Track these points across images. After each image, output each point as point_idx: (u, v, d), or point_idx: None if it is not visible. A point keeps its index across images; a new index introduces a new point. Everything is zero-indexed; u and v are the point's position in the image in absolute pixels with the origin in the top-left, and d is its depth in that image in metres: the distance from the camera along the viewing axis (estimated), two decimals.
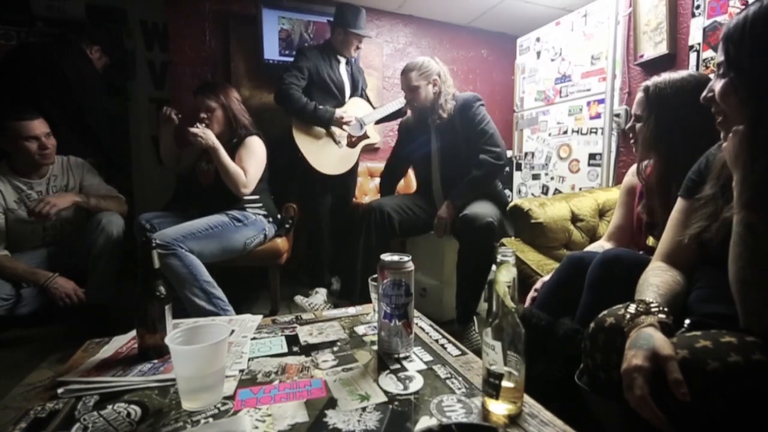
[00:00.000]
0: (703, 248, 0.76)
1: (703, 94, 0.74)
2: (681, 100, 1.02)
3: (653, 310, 0.66)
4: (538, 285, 1.27)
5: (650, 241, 1.13)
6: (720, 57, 0.69)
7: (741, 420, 0.54)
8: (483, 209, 1.64)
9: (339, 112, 2.08)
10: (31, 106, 1.76)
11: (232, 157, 1.77)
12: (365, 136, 2.27)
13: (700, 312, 0.71)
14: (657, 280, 0.76)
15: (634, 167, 1.26)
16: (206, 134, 1.68)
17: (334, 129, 2.16)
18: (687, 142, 1.01)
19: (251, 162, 1.79)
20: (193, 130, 1.68)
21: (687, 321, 0.68)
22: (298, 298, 2.06)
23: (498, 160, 1.78)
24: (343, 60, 2.27)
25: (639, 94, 1.11)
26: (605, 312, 0.73)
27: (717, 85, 0.70)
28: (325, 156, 2.15)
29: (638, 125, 1.12)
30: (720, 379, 0.54)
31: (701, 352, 0.57)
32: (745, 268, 0.62)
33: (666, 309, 0.67)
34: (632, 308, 0.68)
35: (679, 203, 0.86)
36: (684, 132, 1.01)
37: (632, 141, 1.18)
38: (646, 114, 1.08)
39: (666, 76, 1.07)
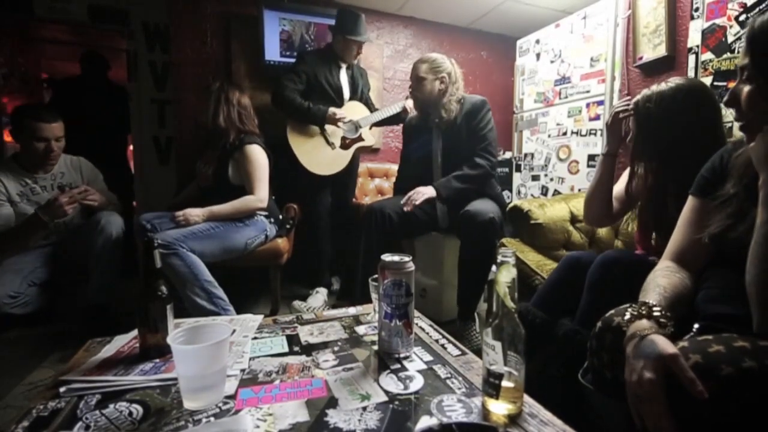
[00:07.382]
0: (723, 247, 0.73)
1: (725, 98, 0.72)
2: (666, 109, 1.02)
3: (654, 314, 0.65)
4: None
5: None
6: (744, 60, 0.66)
7: (755, 426, 0.53)
8: (484, 206, 1.64)
9: (333, 109, 2.09)
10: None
11: (228, 161, 1.77)
12: (360, 139, 2.28)
13: (708, 312, 0.70)
14: (665, 281, 0.74)
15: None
16: (186, 215, 1.65)
17: (328, 130, 2.17)
18: (675, 152, 1.01)
19: (257, 174, 1.78)
20: (178, 218, 1.64)
21: (696, 325, 0.67)
22: (296, 303, 2.07)
23: (491, 168, 1.81)
24: (344, 65, 2.28)
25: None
26: (612, 312, 0.73)
27: (743, 90, 0.67)
28: (317, 156, 2.16)
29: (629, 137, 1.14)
30: (735, 385, 0.53)
31: (714, 356, 0.55)
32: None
33: (668, 314, 0.65)
34: (633, 309, 0.67)
35: (692, 201, 0.83)
36: (670, 142, 1.01)
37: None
38: (635, 128, 1.11)
39: (654, 88, 1.06)
